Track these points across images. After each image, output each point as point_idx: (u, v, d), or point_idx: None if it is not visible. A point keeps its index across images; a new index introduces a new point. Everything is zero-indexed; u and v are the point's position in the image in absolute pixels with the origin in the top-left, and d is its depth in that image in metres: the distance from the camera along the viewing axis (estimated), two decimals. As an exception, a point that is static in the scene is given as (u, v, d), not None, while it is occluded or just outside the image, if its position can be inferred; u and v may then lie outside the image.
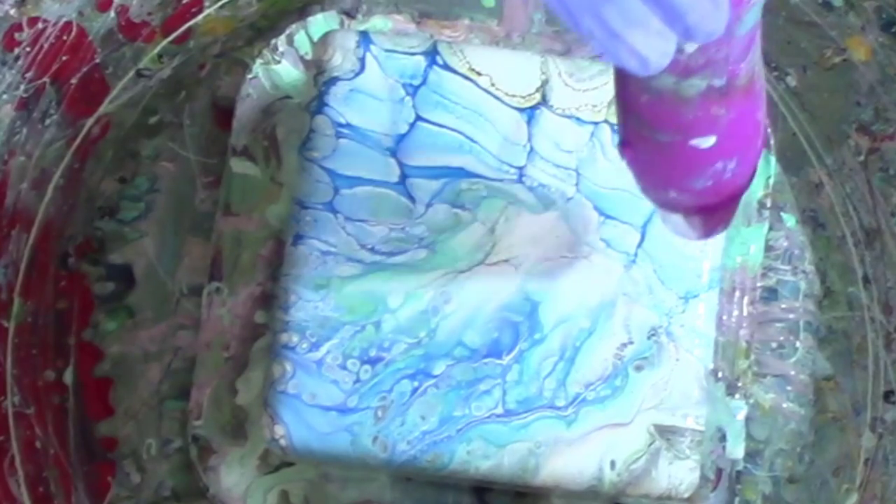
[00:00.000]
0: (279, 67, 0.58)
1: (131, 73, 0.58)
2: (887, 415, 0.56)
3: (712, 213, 0.41)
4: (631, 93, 0.35)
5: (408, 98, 0.54)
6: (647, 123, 0.36)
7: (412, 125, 0.54)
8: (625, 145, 0.37)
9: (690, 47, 0.32)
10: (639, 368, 0.52)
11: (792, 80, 0.59)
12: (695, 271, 0.53)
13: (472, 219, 0.53)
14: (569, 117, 0.54)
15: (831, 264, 0.60)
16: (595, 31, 0.28)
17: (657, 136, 0.36)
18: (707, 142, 0.36)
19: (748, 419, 0.57)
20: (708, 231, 0.43)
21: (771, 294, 0.59)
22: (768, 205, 0.58)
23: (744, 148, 0.37)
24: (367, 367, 0.52)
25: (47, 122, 0.55)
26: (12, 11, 0.51)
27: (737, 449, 0.56)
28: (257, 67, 0.58)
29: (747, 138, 0.37)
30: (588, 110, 0.54)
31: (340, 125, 0.54)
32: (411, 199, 0.53)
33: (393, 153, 0.54)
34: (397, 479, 0.56)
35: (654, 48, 0.29)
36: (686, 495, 0.52)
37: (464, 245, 0.53)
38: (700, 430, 0.52)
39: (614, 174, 0.54)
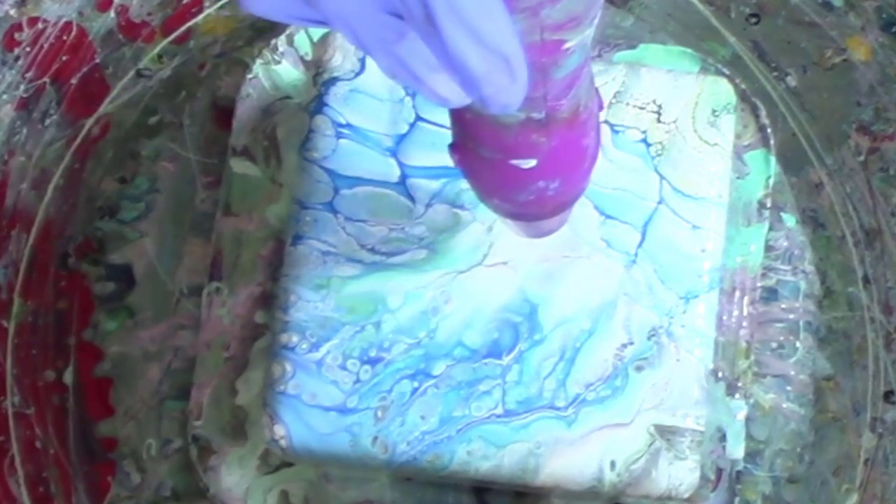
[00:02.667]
0: (279, 67, 0.58)
1: (131, 73, 0.58)
2: (887, 415, 0.56)
3: (539, 220, 0.40)
4: (456, 108, 0.35)
5: (408, 98, 0.54)
6: (471, 138, 0.35)
7: (412, 125, 0.54)
8: (454, 149, 0.37)
9: None
10: (639, 369, 0.52)
11: (792, 80, 0.59)
12: (695, 271, 0.53)
13: (471, 219, 0.53)
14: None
15: (831, 264, 0.59)
16: (394, 71, 0.27)
17: (480, 151, 0.35)
18: (527, 163, 0.35)
19: (748, 419, 0.57)
20: (537, 234, 0.43)
21: (771, 294, 0.59)
22: (768, 205, 0.58)
23: (567, 171, 0.37)
24: (366, 367, 0.52)
25: (47, 122, 0.55)
26: (12, 11, 0.51)
27: (737, 449, 0.56)
28: (257, 67, 0.58)
29: (571, 163, 0.36)
30: (588, 110, 0.54)
31: (340, 125, 0.54)
32: (411, 199, 0.53)
33: (393, 153, 0.54)
34: (397, 480, 0.56)
35: (453, 93, 0.27)
36: (686, 495, 0.52)
37: (464, 245, 0.53)
38: (700, 430, 0.52)
39: (614, 174, 0.54)
